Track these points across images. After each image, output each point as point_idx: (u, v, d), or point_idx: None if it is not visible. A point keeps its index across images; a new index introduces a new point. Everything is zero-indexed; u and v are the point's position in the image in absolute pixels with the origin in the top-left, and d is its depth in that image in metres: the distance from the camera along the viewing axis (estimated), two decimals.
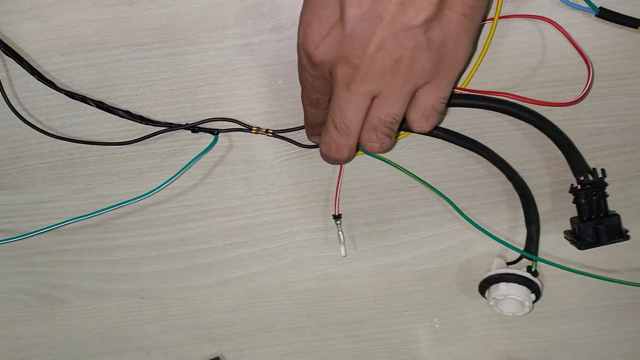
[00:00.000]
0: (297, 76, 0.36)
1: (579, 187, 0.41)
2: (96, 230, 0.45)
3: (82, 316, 0.47)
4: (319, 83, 0.34)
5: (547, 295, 0.46)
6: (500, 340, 0.48)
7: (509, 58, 0.40)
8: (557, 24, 0.38)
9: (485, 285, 0.43)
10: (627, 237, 0.41)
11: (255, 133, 0.41)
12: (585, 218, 0.41)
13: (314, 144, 0.41)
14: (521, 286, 0.42)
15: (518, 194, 0.42)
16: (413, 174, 0.42)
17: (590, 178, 0.41)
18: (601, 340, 0.48)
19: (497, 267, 0.43)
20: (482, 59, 0.39)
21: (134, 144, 0.41)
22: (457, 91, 0.40)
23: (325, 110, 0.36)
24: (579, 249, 0.41)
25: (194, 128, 0.41)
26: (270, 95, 0.41)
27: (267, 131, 0.41)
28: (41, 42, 0.39)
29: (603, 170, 0.41)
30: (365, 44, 0.30)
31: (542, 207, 0.43)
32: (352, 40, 0.31)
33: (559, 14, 0.38)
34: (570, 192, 0.42)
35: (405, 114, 0.34)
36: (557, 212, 0.44)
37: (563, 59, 0.40)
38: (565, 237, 0.43)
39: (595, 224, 0.41)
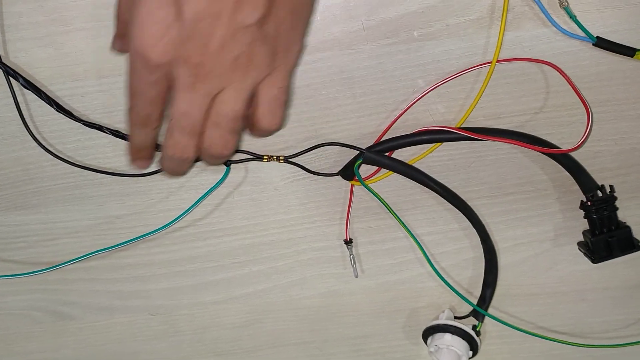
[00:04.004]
0: (298, 100, 0.37)
1: (589, 203, 0.42)
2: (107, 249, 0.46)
3: (93, 332, 0.48)
4: (155, 91, 0.33)
5: (545, 311, 0.47)
6: (499, 354, 0.49)
7: (509, 84, 0.41)
8: (562, 71, 0.40)
9: (430, 332, 0.45)
10: (639, 248, 0.42)
11: (267, 161, 0.42)
12: (597, 232, 0.42)
13: (322, 173, 0.43)
14: (464, 341, 0.44)
15: (485, 257, 0.44)
16: (389, 207, 0.43)
17: (600, 194, 0.42)
18: (600, 355, 0.49)
19: (446, 318, 0.45)
20: (480, 96, 0.41)
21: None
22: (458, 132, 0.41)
23: (154, 130, 0.36)
24: (593, 262, 0.43)
25: None
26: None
27: (278, 158, 0.42)
28: (54, 69, 0.40)
29: (611, 186, 0.42)
30: (206, 43, 0.31)
31: (546, 224, 0.45)
32: (192, 39, 0.30)
33: (559, 41, 0.40)
34: (580, 208, 0.43)
35: (251, 116, 0.35)
36: (557, 231, 0.45)
37: (562, 85, 0.41)
38: (580, 249, 0.45)
39: (607, 238, 0.42)
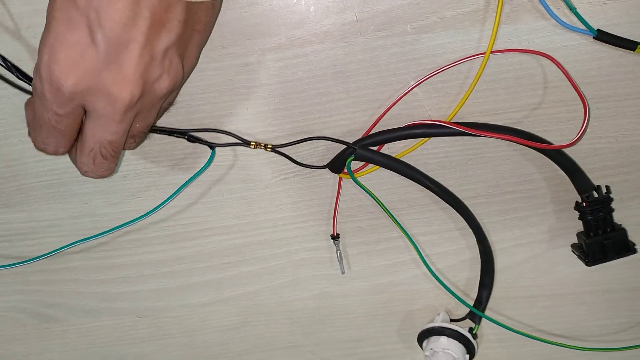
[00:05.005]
0: (290, 94, 0.36)
1: (584, 204, 0.41)
2: (92, 248, 0.45)
3: (78, 335, 0.47)
4: (65, 123, 0.31)
5: (543, 314, 0.46)
6: (498, 359, 0.48)
7: (506, 79, 0.40)
8: (558, 62, 0.39)
9: (426, 335, 0.44)
10: (634, 251, 0.41)
11: (253, 148, 0.40)
12: (592, 234, 0.41)
13: (309, 165, 0.41)
14: (460, 344, 0.43)
15: (481, 258, 0.43)
16: (382, 203, 0.42)
17: (595, 195, 0.41)
18: (599, 359, 0.48)
19: (442, 321, 0.44)
20: (472, 88, 0.39)
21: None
22: (450, 125, 0.39)
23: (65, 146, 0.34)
24: (587, 265, 0.42)
25: (190, 137, 0.40)
26: (268, 114, 0.41)
27: (265, 146, 0.40)
28: None
29: (607, 187, 0.41)
30: (124, 72, 0.29)
31: (545, 224, 0.44)
32: (110, 66, 0.29)
33: (557, 36, 0.39)
34: (575, 208, 0.42)
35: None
36: (556, 232, 0.44)
37: (560, 81, 0.40)
38: (573, 252, 0.44)
39: (602, 240, 0.41)
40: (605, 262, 0.41)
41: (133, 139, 0.35)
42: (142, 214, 0.43)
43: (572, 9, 0.37)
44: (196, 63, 0.37)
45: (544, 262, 0.45)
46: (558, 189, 0.43)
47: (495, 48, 0.38)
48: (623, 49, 0.39)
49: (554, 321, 0.46)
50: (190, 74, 0.37)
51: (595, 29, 0.38)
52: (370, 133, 0.41)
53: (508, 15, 0.38)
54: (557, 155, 0.40)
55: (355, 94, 0.40)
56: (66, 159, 0.41)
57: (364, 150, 0.40)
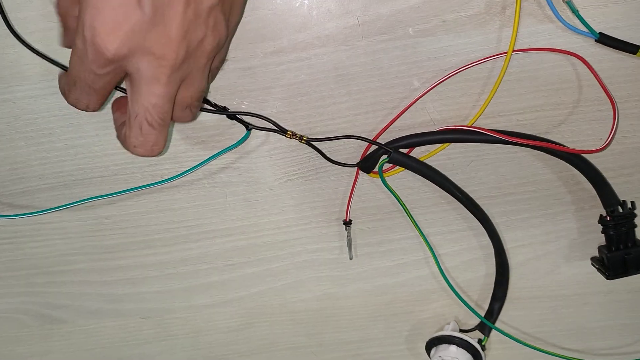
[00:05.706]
0: (292, 98, 0.36)
1: (608, 218, 0.41)
2: (97, 250, 0.45)
3: (82, 336, 0.47)
4: (101, 83, 0.30)
5: (547, 315, 0.46)
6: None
7: (509, 82, 0.40)
8: (588, 63, 0.39)
9: (435, 342, 0.44)
10: None
11: (289, 137, 0.40)
12: (613, 248, 0.41)
13: (340, 162, 0.41)
14: (468, 354, 0.43)
15: (497, 271, 0.44)
16: (405, 206, 0.42)
17: (620, 210, 0.41)
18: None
19: (452, 330, 0.44)
20: (495, 91, 0.40)
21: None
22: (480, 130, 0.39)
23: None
24: (607, 279, 0.42)
25: (231, 114, 0.39)
26: (270, 118, 0.41)
27: (301, 137, 0.40)
28: (44, 66, 0.39)
29: (633, 203, 0.42)
30: (168, 32, 0.29)
31: (547, 226, 0.44)
32: (155, 27, 0.28)
33: (560, 38, 0.39)
34: (599, 222, 0.42)
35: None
36: (558, 233, 0.44)
37: (563, 82, 0.40)
38: (593, 265, 0.44)
39: (623, 254, 0.41)
40: (625, 276, 0.41)
41: (188, 109, 0.34)
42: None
43: (575, 12, 0.38)
44: (241, 18, 0.36)
45: (547, 263, 0.45)
46: (560, 190, 0.43)
47: (498, 51, 0.39)
48: (624, 52, 0.39)
49: (557, 323, 0.47)
50: (235, 30, 0.37)
51: (597, 31, 0.38)
52: (401, 135, 0.40)
53: (509, 18, 0.38)
54: (587, 170, 0.40)
55: (357, 96, 0.40)
56: (71, 162, 0.42)
57: (398, 155, 0.40)
